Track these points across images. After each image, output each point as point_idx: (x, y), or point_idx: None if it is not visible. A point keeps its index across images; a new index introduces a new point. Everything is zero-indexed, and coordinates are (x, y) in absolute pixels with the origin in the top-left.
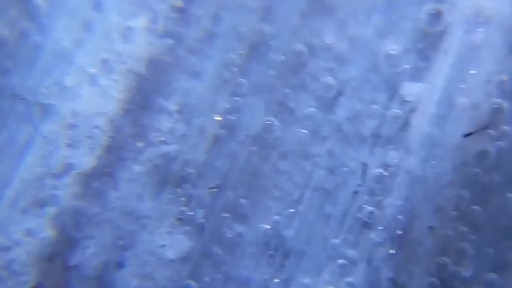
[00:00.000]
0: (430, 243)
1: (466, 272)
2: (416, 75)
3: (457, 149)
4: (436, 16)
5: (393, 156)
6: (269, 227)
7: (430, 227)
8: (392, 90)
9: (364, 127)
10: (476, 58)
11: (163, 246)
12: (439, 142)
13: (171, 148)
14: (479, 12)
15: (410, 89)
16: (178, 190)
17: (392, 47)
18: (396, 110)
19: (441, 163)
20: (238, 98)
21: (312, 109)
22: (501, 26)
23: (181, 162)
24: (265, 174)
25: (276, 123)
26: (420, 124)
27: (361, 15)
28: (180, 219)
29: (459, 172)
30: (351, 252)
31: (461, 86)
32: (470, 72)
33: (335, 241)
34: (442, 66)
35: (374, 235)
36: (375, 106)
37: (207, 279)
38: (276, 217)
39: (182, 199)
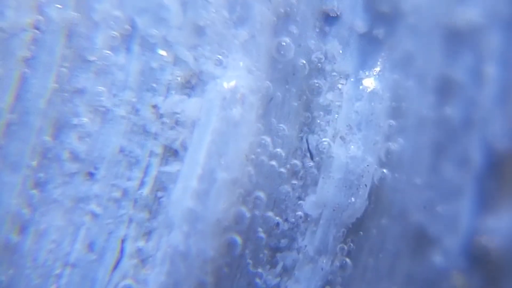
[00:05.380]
0: None
1: None
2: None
3: (218, 223)
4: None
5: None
6: None
7: None
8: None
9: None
10: (234, 133)
11: None
12: (201, 216)
13: None
14: (235, 90)
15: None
16: None
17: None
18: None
19: (203, 238)
20: None
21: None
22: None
23: None
24: None
25: None
26: (183, 199)
27: None
28: None
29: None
30: None
31: (221, 161)
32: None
33: None
34: (202, 142)
35: None
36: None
37: None
38: None
39: None
